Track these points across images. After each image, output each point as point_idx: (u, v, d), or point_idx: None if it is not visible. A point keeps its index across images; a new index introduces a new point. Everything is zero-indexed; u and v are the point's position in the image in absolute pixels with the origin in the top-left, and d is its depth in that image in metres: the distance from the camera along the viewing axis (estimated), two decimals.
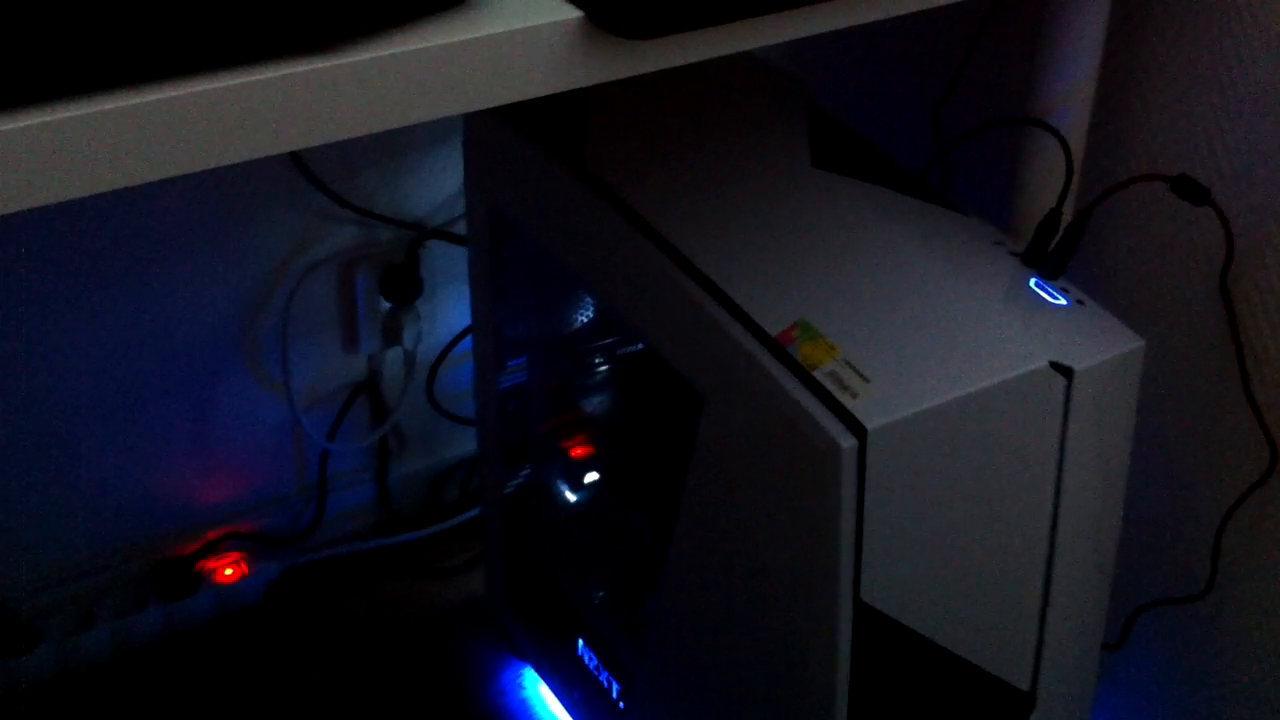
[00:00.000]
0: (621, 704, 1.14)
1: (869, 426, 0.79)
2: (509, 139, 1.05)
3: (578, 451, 1.19)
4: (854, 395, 0.81)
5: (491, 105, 0.62)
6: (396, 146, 1.30)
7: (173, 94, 0.55)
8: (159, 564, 1.33)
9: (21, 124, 0.52)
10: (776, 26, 0.69)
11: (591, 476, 1.19)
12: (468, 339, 1.35)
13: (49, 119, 0.53)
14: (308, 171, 1.24)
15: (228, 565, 1.33)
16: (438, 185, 1.33)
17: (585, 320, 1.15)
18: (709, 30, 0.66)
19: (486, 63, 0.61)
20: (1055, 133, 0.96)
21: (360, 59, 0.58)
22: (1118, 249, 1.07)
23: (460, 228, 1.32)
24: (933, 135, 1.14)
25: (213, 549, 1.35)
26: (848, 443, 0.79)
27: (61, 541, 1.29)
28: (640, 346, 1.08)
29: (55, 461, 1.25)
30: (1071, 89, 0.96)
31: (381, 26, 0.59)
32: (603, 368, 1.16)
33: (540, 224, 1.07)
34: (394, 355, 1.38)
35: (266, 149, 0.59)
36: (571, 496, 1.20)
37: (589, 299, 1.13)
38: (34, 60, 0.53)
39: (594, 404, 1.18)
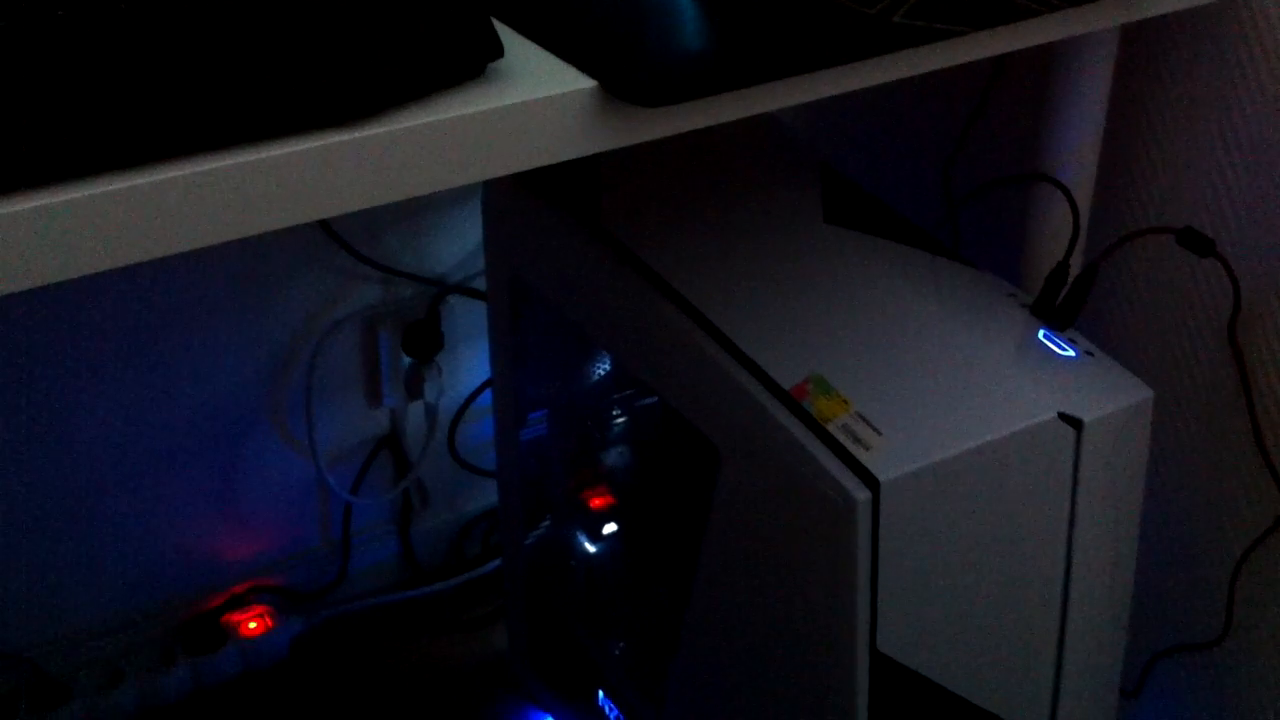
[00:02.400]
0: None
1: (882, 479, 0.81)
2: (526, 200, 1.07)
3: (597, 504, 1.21)
4: (867, 448, 0.82)
5: (510, 173, 0.64)
6: (417, 205, 1.32)
7: (204, 168, 0.57)
8: (186, 620, 1.35)
9: (63, 198, 0.55)
10: (786, 91, 0.71)
11: (610, 529, 1.20)
12: (488, 392, 1.37)
13: (89, 193, 0.55)
14: (331, 231, 1.27)
15: (252, 619, 1.35)
16: (458, 242, 1.35)
17: (604, 374, 1.17)
18: (720, 96, 0.68)
19: (504, 133, 0.63)
20: (1062, 187, 0.98)
21: (382, 132, 0.60)
22: (1127, 301, 1.08)
23: (480, 282, 1.34)
24: (943, 191, 1.16)
25: (238, 603, 1.36)
26: (862, 495, 0.81)
27: (90, 599, 1.31)
28: (657, 400, 1.09)
29: (84, 521, 1.27)
30: (1077, 145, 0.98)
31: (402, 100, 0.61)
32: (621, 422, 1.18)
33: (557, 283, 1.09)
34: (416, 410, 1.40)
35: (292, 220, 0.60)
36: (591, 549, 1.22)
37: (607, 355, 1.15)
38: (77, 138, 0.55)
39: (613, 457, 1.19)
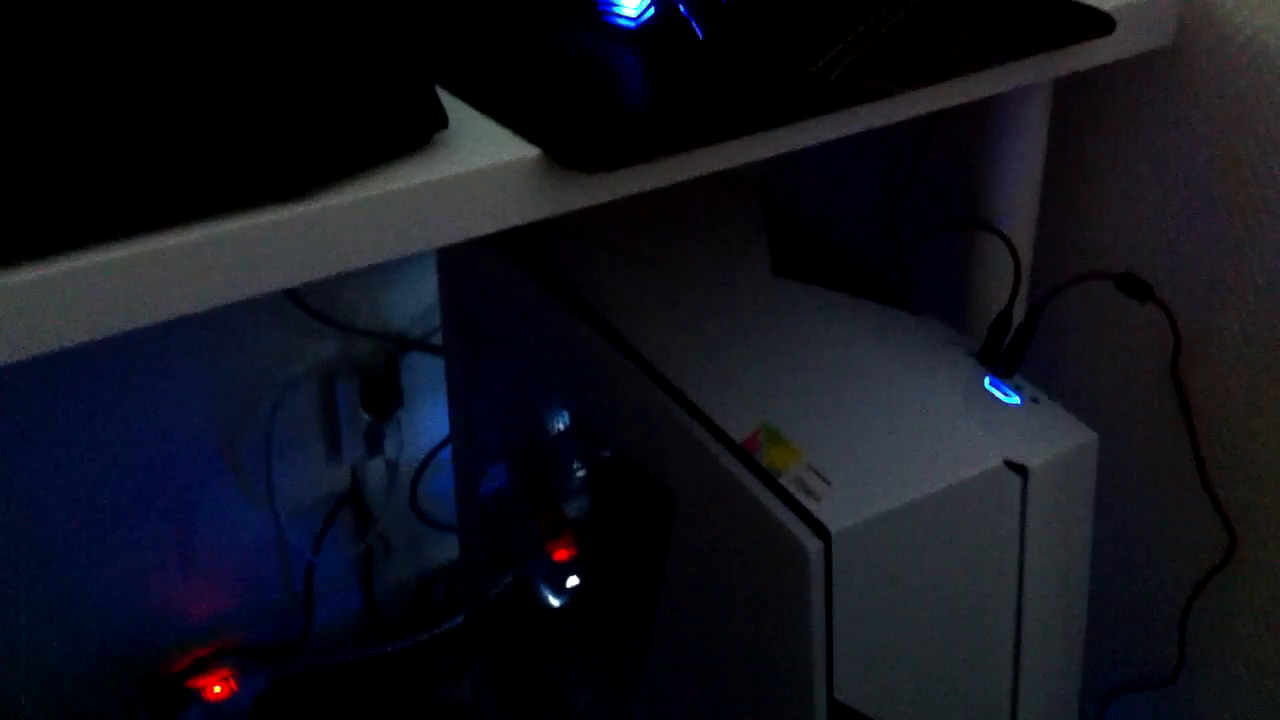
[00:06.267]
0: None
1: (833, 530, 0.82)
2: (480, 255, 1.09)
3: (558, 555, 1.21)
4: (818, 499, 0.84)
5: (459, 241, 0.66)
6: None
7: (147, 248, 0.58)
8: (149, 682, 1.35)
9: (24, 278, 0.56)
10: (727, 153, 0.73)
11: (573, 580, 1.21)
12: (449, 447, 1.37)
13: (47, 272, 0.56)
14: (289, 290, 1.27)
15: (216, 683, 1.35)
16: (415, 297, 1.36)
17: (562, 426, 1.18)
18: (663, 160, 0.69)
19: (450, 202, 0.64)
20: (1002, 235, 1.00)
21: (329, 205, 0.62)
22: (1072, 345, 1.10)
23: (438, 338, 1.35)
24: (890, 238, 1.18)
25: (202, 666, 1.36)
26: (814, 546, 0.82)
27: (53, 662, 1.30)
28: (614, 452, 1.11)
29: (45, 583, 1.27)
30: (1016, 193, 1.00)
31: (348, 172, 0.62)
32: (580, 472, 1.19)
33: (513, 337, 1.10)
34: (376, 465, 1.41)
35: (242, 294, 0.62)
36: (554, 599, 1.22)
37: (564, 408, 1.16)
38: (35, 221, 0.56)
39: (573, 508, 1.20)
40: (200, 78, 0.62)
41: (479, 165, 0.65)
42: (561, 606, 1.22)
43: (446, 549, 1.48)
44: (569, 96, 0.71)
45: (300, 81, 0.63)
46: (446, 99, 0.68)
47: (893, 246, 1.17)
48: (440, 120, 0.65)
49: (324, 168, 0.62)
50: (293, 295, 1.28)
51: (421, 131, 0.65)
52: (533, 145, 0.66)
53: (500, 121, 0.68)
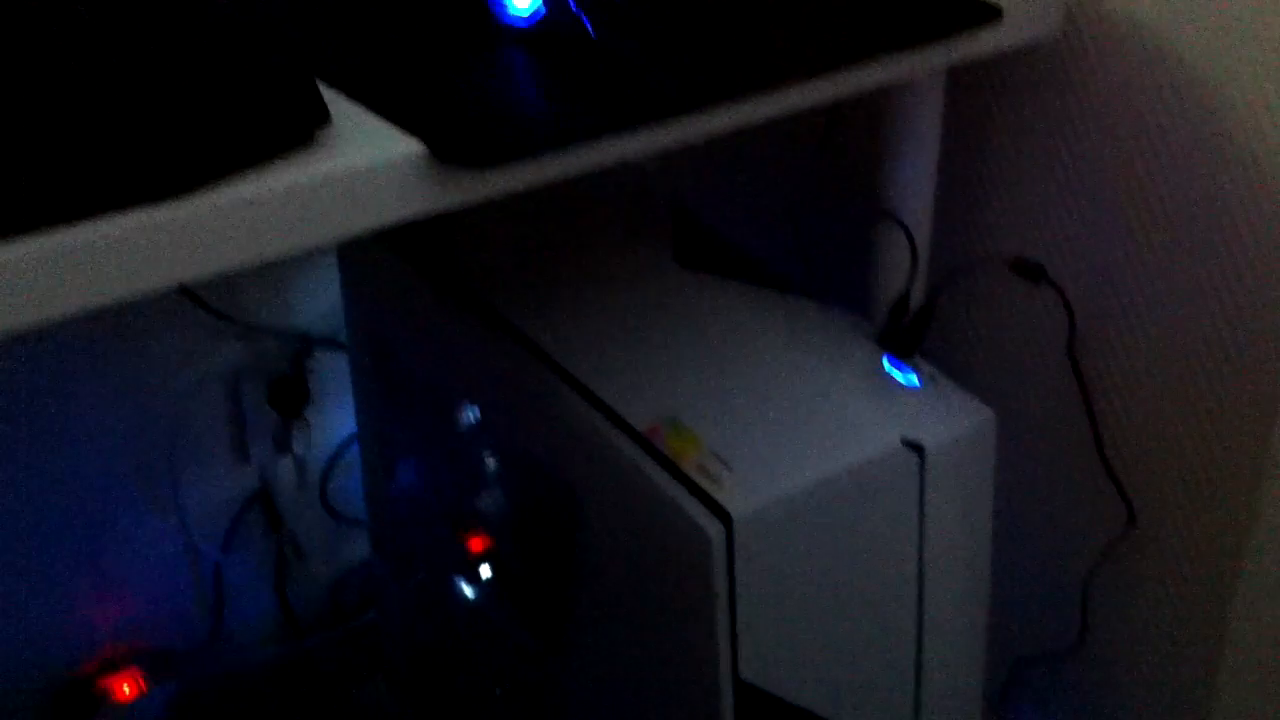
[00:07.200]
0: None
1: (734, 513, 0.83)
2: (381, 255, 1.08)
3: (469, 550, 1.21)
4: (719, 484, 0.85)
5: (345, 238, 0.65)
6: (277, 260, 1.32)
7: (46, 244, 0.57)
8: (57, 688, 1.33)
9: None
10: (614, 148, 0.73)
11: (484, 573, 1.21)
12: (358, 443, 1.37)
13: None
14: (187, 290, 1.26)
15: (125, 682, 1.33)
16: (320, 295, 1.35)
17: (470, 421, 1.18)
18: (549, 156, 0.70)
19: (334, 199, 0.64)
20: (900, 222, 1.01)
21: (211, 204, 0.61)
22: (971, 327, 1.12)
23: (345, 335, 1.34)
24: (793, 231, 1.18)
25: (110, 669, 1.34)
26: (715, 530, 0.83)
27: None
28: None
29: None
30: (913, 181, 1.01)
31: (230, 171, 0.62)
32: (489, 466, 1.19)
33: (416, 336, 1.10)
34: (285, 464, 1.39)
35: (132, 292, 0.61)
36: (466, 594, 1.22)
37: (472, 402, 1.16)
38: None
39: (483, 503, 1.20)
40: (80, 77, 0.62)
41: (362, 161, 0.64)
42: (475, 599, 1.22)
43: (360, 546, 1.48)
44: (454, 92, 0.71)
45: (180, 79, 0.63)
46: (332, 96, 0.67)
47: (797, 244, 1.18)
48: (322, 117, 0.65)
49: (205, 166, 0.61)
50: (194, 297, 1.27)
51: (303, 129, 0.64)
52: (417, 141, 0.66)
53: (385, 117, 0.67)
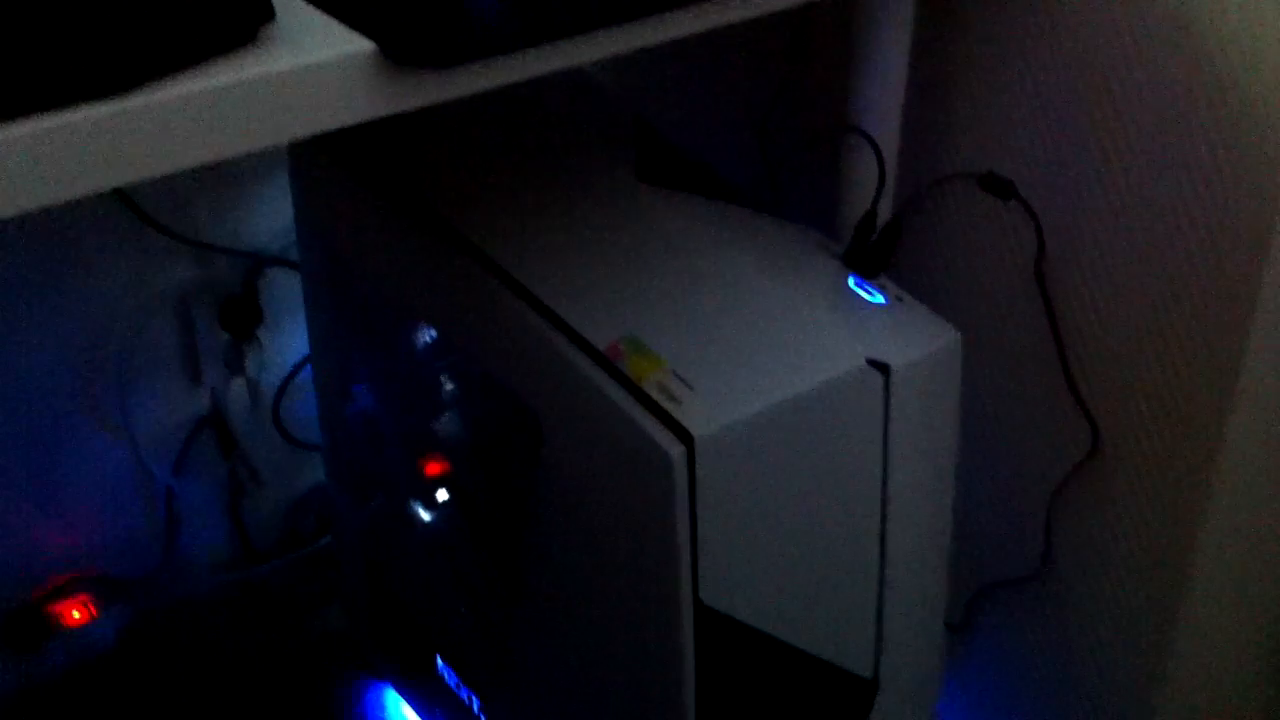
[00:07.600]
0: (483, 718, 1.14)
1: (696, 434, 0.81)
2: (333, 169, 1.05)
3: (427, 473, 1.19)
4: (680, 404, 0.83)
5: (289, 140, 0.63)
6: (227, 177, 1.29)
7: None
8: (6, 614, 1.31)
9: None
10: (575, 50, 0.70)
11: (442, 496, 1.19)
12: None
13: None
14: (136, 208, 1.23)
15: (75, 608, 1.31)
16: (272, 213, 1.32)
17: (427, 342, 1.16)
18: (505, 57, 0.67)
19: (278, 100, 0.61)
20: (868, 137, 0.99)
21: (150, 101, 0.58)
22: (939, 247, 1.10)
23: (298, 254, 1.31)
24: (760, 148, 1.16)
25: (60, 594, 1.32)
26: (676, 450, 0.81)
27: None
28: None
29: None
30: (881, 95, 0.99)
31: (170, 69, 0.59)
32: (448, 388, 1.17)
33: (369, 253, 1.07)
34: (238, 386, 1.37)
35: (64, 195, 0.58)
36: (423, 517, 1.20)
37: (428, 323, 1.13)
38: None
39: (440, 425, 1.18)
40: None
41: (309, 60, 0.61)
42: (433, 522, 1.20)
43: (316, 470, 1.46)
44: None
45: None
46: None
47: (763, 160, 1.16)
48: (266, 12, 0.62)
49: (144, 62, 0.59)
50: (140, 213, 1.23)
51: (246, 26, 0.61)
52: (366, 39, 0.63)
53: (333, 14, 0.64)
